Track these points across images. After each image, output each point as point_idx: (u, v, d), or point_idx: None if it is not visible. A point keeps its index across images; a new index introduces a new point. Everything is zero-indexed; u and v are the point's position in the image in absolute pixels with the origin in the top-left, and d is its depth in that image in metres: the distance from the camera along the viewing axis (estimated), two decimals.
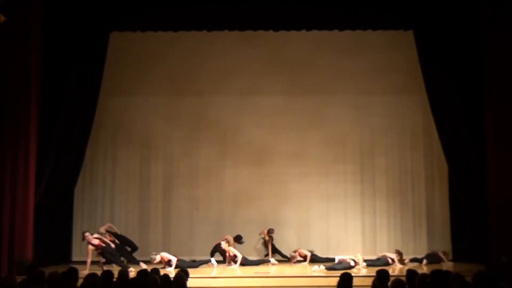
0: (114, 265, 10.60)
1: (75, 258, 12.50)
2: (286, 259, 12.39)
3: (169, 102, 13.33)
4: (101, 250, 10.75)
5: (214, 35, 12.44)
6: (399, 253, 11.70)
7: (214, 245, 11.84)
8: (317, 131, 13.31)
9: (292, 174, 13.26)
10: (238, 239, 12.23)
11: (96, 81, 11.73)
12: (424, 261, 11.79)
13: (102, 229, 11.41)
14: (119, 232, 11.71)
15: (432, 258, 11.90)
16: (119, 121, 13.25)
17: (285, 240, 12.83)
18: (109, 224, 11.80)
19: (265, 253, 12.56)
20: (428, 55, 11.67)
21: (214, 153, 13.30)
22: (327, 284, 9.35)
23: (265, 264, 11.91)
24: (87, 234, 10.77)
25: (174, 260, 10.96)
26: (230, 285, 9.59)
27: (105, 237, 11.07)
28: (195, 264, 11.32)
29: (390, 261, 11.56)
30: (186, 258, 12.33)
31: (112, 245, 10.99)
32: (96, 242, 10.70)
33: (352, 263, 10.97)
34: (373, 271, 10.06)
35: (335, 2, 11.34)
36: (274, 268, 11.57)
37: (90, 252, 10.78)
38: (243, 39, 12.94)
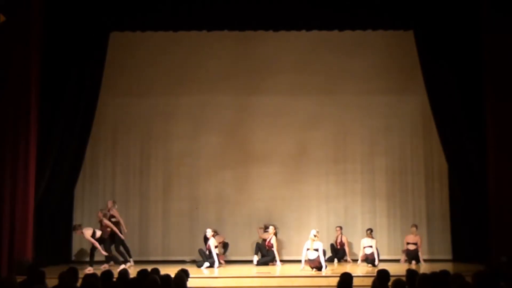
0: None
1: (75, 258, 12.51)
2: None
3: (169, 102, 13.32)
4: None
5: (214, 35, 12.45)
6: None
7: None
8: (317, 131, 13.31)
9: (292, 174, 13.26)
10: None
11: (96, 81, 11.74)
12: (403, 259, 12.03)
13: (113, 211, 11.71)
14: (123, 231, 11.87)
15: None
16: (119, 121, 13.25)
17: (285, 240, 12.82)
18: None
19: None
20: (428, 55, 11.68)
21: (214, 153, 13.30)
22: (327, 284, 9.36)
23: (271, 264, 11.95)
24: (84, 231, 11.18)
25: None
26: (230, 285, 9.60)
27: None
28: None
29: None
30: (186, 258, 12.40)
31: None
32: (90, 232, 11.15)
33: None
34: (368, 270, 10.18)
35: (335, 2, 11.33)
36: (274, 268, 11.57)
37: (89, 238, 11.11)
38: (243, 39, 12.94)
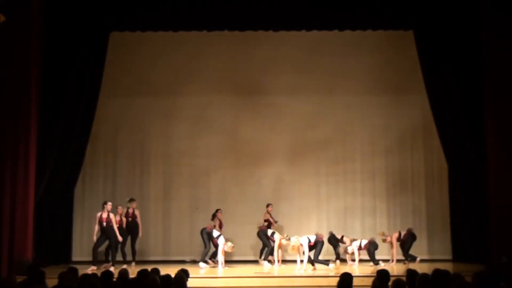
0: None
1: (75, 258, 12.53)
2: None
3: (169, 101, 13.33)
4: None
5: (214, 35, 12.45)
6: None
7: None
8: (316, 131, 13.32)
9: (292, 174, 13.27)
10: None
11: (96, 81, 11.74)
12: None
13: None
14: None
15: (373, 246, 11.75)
16: (119, 121, 13.26)
17: None
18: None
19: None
20: (428, 55, 11.68)
21: (214, 153, 13.30)
22: (327, 284, 9.36)
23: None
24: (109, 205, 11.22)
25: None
26: (230, 285, 9.60)
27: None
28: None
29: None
30: (187, 258, 12.40)
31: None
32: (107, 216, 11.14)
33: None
34: (367, 269, 10.17)
35: (335, 2, 11.34)
36: (274, 268, 11.56)
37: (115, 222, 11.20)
38: (243, 39, 12.94)
